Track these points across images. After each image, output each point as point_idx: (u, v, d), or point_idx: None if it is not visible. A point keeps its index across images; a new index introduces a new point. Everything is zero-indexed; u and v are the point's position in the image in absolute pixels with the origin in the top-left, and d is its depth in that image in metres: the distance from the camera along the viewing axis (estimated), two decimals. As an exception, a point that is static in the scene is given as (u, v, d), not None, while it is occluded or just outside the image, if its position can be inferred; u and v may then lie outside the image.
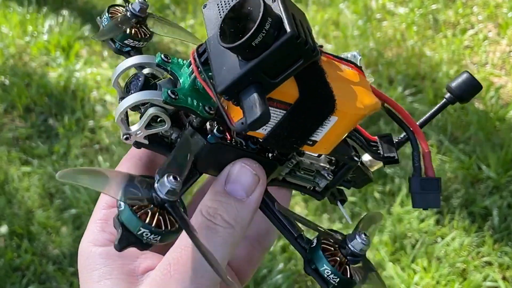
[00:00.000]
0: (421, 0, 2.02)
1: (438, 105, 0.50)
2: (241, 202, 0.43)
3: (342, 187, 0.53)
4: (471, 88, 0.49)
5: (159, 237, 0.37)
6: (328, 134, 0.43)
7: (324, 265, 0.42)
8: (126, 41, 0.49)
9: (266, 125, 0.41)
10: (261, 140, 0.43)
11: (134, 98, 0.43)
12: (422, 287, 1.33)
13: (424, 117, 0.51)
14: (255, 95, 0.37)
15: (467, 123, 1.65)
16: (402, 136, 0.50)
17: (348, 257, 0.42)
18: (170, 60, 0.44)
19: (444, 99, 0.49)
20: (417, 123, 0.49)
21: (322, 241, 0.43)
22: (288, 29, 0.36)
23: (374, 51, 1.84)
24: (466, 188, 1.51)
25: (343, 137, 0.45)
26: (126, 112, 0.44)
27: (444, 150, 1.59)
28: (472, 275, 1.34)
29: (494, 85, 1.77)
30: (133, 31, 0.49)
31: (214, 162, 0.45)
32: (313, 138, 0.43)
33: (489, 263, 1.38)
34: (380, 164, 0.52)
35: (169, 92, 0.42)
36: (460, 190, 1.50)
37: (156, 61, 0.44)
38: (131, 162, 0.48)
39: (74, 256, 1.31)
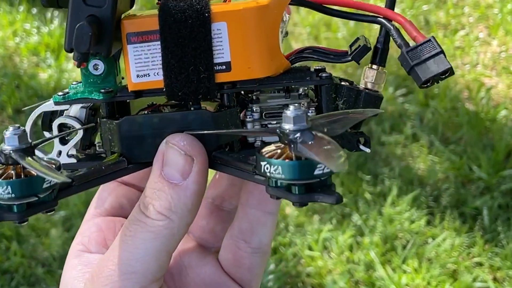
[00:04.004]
0: (412, 1, 2.03)
1: None
2: (177, 187, 0.37)
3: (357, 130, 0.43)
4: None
5: (8, 188, 0.34)
6: (234, 46, 0.37)
7: (261, 163, 0.34)
8: None
9: (155, 66, 0.38)
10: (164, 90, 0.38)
11: (29, 119, 0.43)
12: (413, 288, 1.33)
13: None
14: (83, 23, 0.36)
15: (458, 123, 1.65)
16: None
17: (290, 139, 0.33)
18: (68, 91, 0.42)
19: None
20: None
21: (262, 150, 0.35)
22: None
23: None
24: (457, 189, 1.51)
25: (264, 45, 0.38)
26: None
27: (435, 150, 1.59)
28: (463, 275, 1.34)
29: (485, 85, 1.78)
30: None
31: (142, 145, 0.39)
32: (220, 60, 0.38)
33: (480, 264, 1.38)
34: (383, 72, 0.44)
35: (58, 93, 0.41)
36: (451, 191, 1.50)
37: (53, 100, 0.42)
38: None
39: (64, 259, 1.29)
